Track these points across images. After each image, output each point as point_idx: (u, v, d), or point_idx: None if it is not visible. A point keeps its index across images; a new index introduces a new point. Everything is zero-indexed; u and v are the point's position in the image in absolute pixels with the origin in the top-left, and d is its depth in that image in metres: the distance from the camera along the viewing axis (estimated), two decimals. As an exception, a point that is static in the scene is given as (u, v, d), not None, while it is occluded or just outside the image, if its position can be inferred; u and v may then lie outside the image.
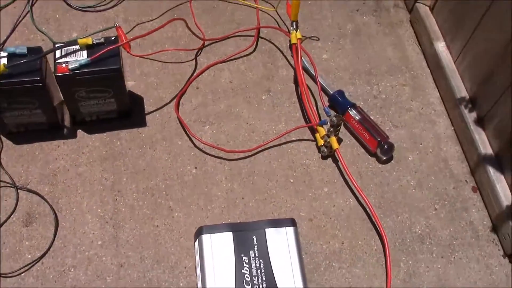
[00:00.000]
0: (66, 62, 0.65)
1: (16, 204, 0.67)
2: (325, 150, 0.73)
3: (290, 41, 0.83)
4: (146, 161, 0.72)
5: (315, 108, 0.76)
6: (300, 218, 0.68)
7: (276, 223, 0.61)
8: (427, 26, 0.83)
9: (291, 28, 0.78)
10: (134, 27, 0.84)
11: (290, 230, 0.60)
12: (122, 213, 0.67)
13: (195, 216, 0.68)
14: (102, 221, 0.66)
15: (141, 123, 0.75)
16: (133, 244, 0.65)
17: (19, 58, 0.65)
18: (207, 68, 0.81)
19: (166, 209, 0.68)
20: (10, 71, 0.63)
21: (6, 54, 0.65)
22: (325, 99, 0.77)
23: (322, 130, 0.73)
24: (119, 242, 0.65)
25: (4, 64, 0.63)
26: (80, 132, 0.73)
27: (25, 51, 0.65)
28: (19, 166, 0.70)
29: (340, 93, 0.78)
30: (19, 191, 0.68)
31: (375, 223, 0.68)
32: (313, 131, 0.75)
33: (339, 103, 0.77)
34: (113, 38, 0.68)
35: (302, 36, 0.80)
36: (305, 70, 0.79)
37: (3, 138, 0.72)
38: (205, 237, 0.59)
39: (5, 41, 0.81)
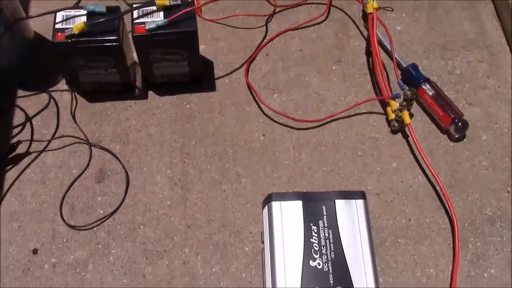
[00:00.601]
0: (143, 23, 0.65)
1: (89, 161, 0.69)
2: (396, 124, 0.71)
3: (363, 10, 0.81)
4: (214, 125, 0.72)
5: (387, 81, 0.74)
6: (368, 192, 0.67)
7: (346, 194, 0.60)
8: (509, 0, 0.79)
9: (368, -4, 0.76)
10: (205, -10, 0.84)
11: (360, 202, 0.59)
12: (190, 176, 0.68)
13: (261, 183, 0.68)
14: (171, 182, 0.68)
15: (211, 87, 0.75)
16: (201, 207, 0.66)
17: (98, 17, 0.65)
18: (278, 35, 0.80)
19: (234, 174, 0.68)
20: (89, 29, 0.64)
21: (85, 12, 0.65)
22: (398, 72, 0.75)
23: (394, 104, 0.71)
24: (187, 204, 0.66)
25: (84, 22, 0.64)
26: (151, 93, 0.74)
27: (104, 10, 0.66)
28: (92, 124, 0.71)
29: (414, 66, 0.75)
30: (92, 148, 0.69)
31: (445, 201, 0.66)
32: (384, 104, 0.74)
33: (412, 77, 0.75)
34: (189, 1, 0.67)
35: (378, 6, 0.77)
36: (379, 41, 0.77)
37: (78, 96, 0.73)
38: (275, 204, 0.59)
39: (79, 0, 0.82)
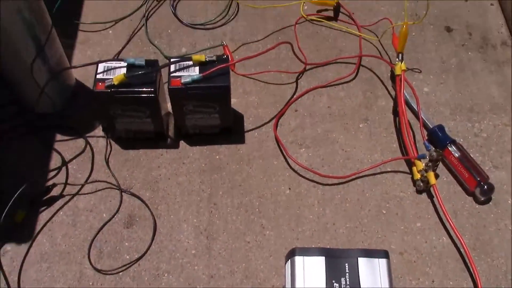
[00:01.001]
0: (179, 76, 0.69)
1: (120, 206, 0.71)
2: (421, 184, 0.72)
3: (392, 71, 0.83)
4: (242, 177, 0.74)
5: (413, 141, 0.75)
6: (391, 250, 0.67)
7: (369, 253, 0.60)
8: (538, 67, 0.80)
9: (397, 59, 0.79)
10: (239, 46, 0.88)
11: (383, 262, 0.60)
12: (216, 226, 0.69)
13: (285, 237, 0.69)
14: (197, 231, 0.69)
15: (240, 140, 0.77)
16: (225, 257, 0.67)
17: (137, 69, 0.69)
18: (307, 91, 0.82)
19: (258, 226, 0.70)
20: (129, 81, 0.68)
21: (126, 64, 0.69)
22: (424, 133, 0.76)
23: (420, 164, 0.72)
24: (212, 254, 0.67)
25: (124, 73, 0.67)
26: (182, 143, 0.77)
27: (143, 63, 0.69)
28: (124, 170, 0.74)
29: (440, 128, 0.77)
30: (123, 193, 0.72)
31: (469, 264, 0.66)
32: (410, 164, 0.74)
33: (438, 138, 0.76)
34: (224, 57, 0.71)
35: (406, 67, 0.79)
36: (406, 102, 0.79)
37: (113, 143, 0.76)
38: (298, 259, 0.60)
39: (120, 51, 0.86)
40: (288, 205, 0.72)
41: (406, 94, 0.79)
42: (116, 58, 0.83)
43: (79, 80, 0.83)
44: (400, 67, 0.77)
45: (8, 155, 0.75)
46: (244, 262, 0.67)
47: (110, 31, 0.89)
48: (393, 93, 0.83)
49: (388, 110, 0.81)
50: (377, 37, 0.89)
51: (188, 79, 0.68)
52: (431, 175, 0.70)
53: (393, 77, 0.83)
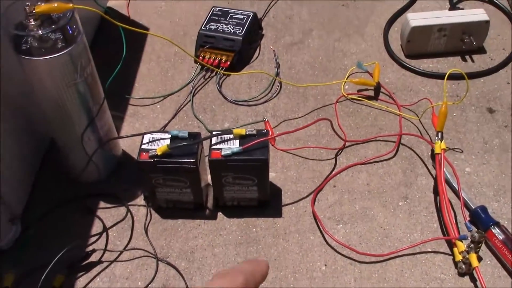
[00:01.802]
0: (220, 149, 0.71)
1: (155, 275, 0.71)
2: (463, 266, 0.69)
3: (432, 150, 0.83)
4: (278, 251, 0.73)
5: (454, 221, 0.74)
6: (431, 336, 0.64)
7: (407, 336, 0.58)
8: None
9: (436, 138, 0.79)
10: (280, 122, 0.90)
11: None
12: (249, 300, 0.68)
13: (320, 315, 0.67)
14: (230, 304, 0.68)
15: (277, 213, 0.78)
16: (257, 333, 0.65)
17: (180, 141, 0.72)
18: (346, 168, 0.83)
19: (293, 302, 0.68)
20: (171, 152, 0.70)
21: (170, 136, 0.72)
22: (466, 213, 0.75)
23: (461, 245, 0.70)
24: (244, 328, 0.66)
25: (167, 144, 0.70)
26: (220, 214, 0.78)
27: (186, 135, 0.72)
28: (162, 239, 0.75)
29: (483, 209, 0.75)
30: (159, 262, 0.72)
31: None
32: (451, 244, 0.72)
33: (481, 219, 0.74)
34: (264, 131, 0.73)
35: (446, 147, 0.79)
36: (447, 181, 0.78)
37: (153, 212, 0.78)
38: (331, 338, 0.58)
39: (166, 124, 0.90)
40: (324, 282, 0.70)
41: (447, 174, 0.78)
42: (163, 130, 0.87)
43: (125, 151, 0.87)
44: (439, 146, 0.77)
45: (52, 221, 0.78)
46: None
47: (158, 106, 0.94)
48: (433, 172, 0.82)
49: (429, 189, 0.80)
50: (417, 116, 0.89)
51: (228, 151, 0.70)
52: (473, 257, 0.67)
53: (433, 156, 0.83)
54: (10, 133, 0.73)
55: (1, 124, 0.71)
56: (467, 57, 0.99)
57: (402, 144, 0.86)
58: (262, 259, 0.39)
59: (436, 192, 0.79)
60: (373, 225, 0.76)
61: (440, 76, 0.95)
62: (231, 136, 0.72)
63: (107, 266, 0.73)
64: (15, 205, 0.75)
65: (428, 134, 0.87)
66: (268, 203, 0.78)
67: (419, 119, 0.89)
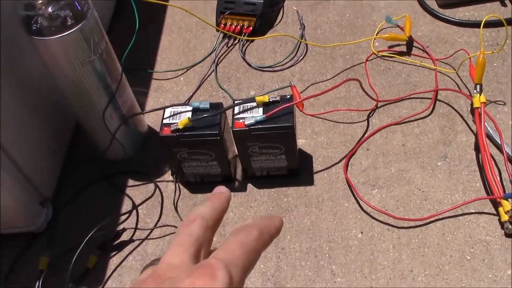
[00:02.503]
0: (243, 118, 0.68)
1: (187, 251, 0.70)
2: (510, 227, 0.65)
3: (472, 105, 0.77)
4: (311, 220, 0.71)
5: (498, 179, 0.69)
6: (477, 301, 0.61)
7: (450, 304, 0.55)
8: None
9: (474, 91, 0.73)
10: (308, 86, 0.86)
11: (466, 314, 0.54)
12: (284, 272, 0.66)
13: (358, 284, 0.64)
14: (264, 277, 0.66)
15: (309, 181, 0.75)
16: (293, 305, 0.64)
17: (202, 113, 0.69)
18: (379, 129, 0.79)
19: (329, 273, 0.66)
20: (193, 124, 0.68)
21: (191, 108, 0.70)
22: (511, 170, 0.69)
23: (507, 204, 0.65)
24: (279, 301, 0.64)
25: (188, 117, 0.68)
26: (250, 186, 0.75)
27: (208, 106, 0.70)
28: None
29: (530, 164, 0.70)
30: (190, 238, 0.71)
31: None
32: (496, 204, 0.68)
33: (528, 175, 0.69)
34: (288, 97, 0.69)
35: (486, 100, 0.73)
36: (489, 137, 0.72)
37: (181, 187, 0.76)
38: (369, 309, 0.55)
39: (191, 97, 0.88)
40: (361, 250, 0.67)
41: (488, 128, 0.73)
42: (186, 103, 0.85)
43: (151, 127, 0.85)
44: (478, 99, 0.71)
45: (82, 201, 0.77)
46: (313, 311, 0.63)
47: (182, 78, 0.92)
48: (474, 128, 0.77)
49: (469, 146, 0.75)
50: (454, 69, 0.84)
51: (251, 121, 0.67)
52: (520, 216, 0.63)
53: (473, 110, 0.77)
54: (33, 116, 0.72)
55: (27, 108, 0.70)
56: (506, 1, 0.92)
57: (439, 100, 0.81)
58: (276, 215, 0.41)
59: (477, 149, 0.74)
60: (410, 188, 0.72)
61: (476, 25, 0.89)
62: (254, 104, 0.69)
63: (138, 245, 0.72)
64: (45, 188, 0.74)
65: (466, 87, 0.82)
66: (298, 171, 0.75)
67: (456, 72, 0.83)
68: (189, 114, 0.69)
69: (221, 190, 0.39)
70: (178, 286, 0.29)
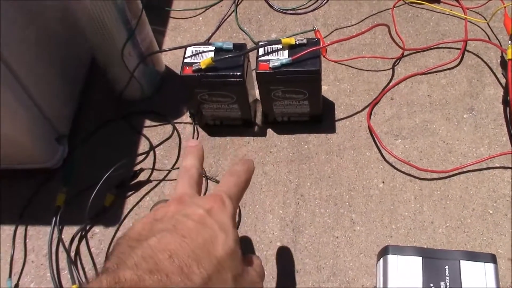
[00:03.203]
0: (268, 60, 0.65)
1: (205, 193, 0.69)
2: (535, 182, 0.64)
3: (502, 57, 0.75)
4: (332, 168, 0.70)
5: (526, 133, 0.67)
6: (498, 255, 0.60)
7: (474, 256, 0.54)
8: None
9: (509, 41, 0.70)
10: (332, 31, 0.83)
11: (489, 267, 0.53)
12: (303, 218, 0.66)
13: (377, 234, 0.64)
14: (283, 222, 0.66)
15: (331, 129, 0.73)
16: (311, 252, 0.63)
17: (225, 53, 0.67)
18: (405, 79, 0.76)
19: (348, 221, 0.65)
20: (216, 65, 0.66)
21: (214, 48, 0.67)
22: (540, 125, 0.68)
23: (534, 160, 0.64)
24: (297, 247, 0.64)
25: (211, 57, 0.65)
26: (269, 131, 0.74)
27: (231, 47, 0.67)
28: (211, 157, 0.72)
29: (560, 120, 0.68)
30: (208, 181, 0.70)
31: None
32: (522, 159, 0.67)
33: (557, 131, 0.67)
34: (315, 40, 0.67)
35: (520, 52, 0.71)
36: (519, 90, 0.70)
37: (200, 130, 0.75)
38: (391, 258, 0.55)
39: (210, 37, 0.85)
40: (381, 199, 0.66)
41: (519, 82, 0.71)
42: (206, 42, 0.82)
43: (168, 67, 0.83)
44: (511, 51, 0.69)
45: (99, 140, 0.76)
46: (332, 258, 0.63)
47: (200, 18, 0.88)
48: (503, 81, 0.74)
49: (497, 100, 0.73)
50: (485, 19, 0.80)
51: (276, 63, 0.65)
52: (548, 173, 0.62)
53: (503, 63, 0.75)
54: (50, 50, 0.70)
55: (43, 42, 0.68)
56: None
57: (468, 51, 0.78)
58: (249, 159, 0.53)
59: (506, 102, 0.72)
60: (435, 139, 0.70)
61: (513, -27, 0.84)
62: (280, 46, 0.66)
63: (156, 185, 0.71)
64: (61, 124, 0.73)
65: (497, 39, 0.79)
66: (320, 118, 0.73)
67: (487, 23, 0.80)
68: (212, 54, 0.67)
69: (195, 143, 0.53)
70: (202, 206, 0.41)
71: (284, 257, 0.63)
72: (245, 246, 0.64)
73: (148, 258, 0.35)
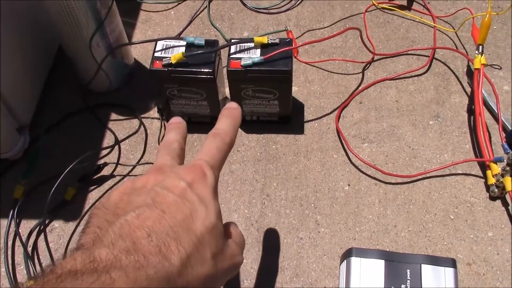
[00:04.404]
0: (239, 58, 0.65)
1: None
2: (496, 190, 0.65)
3: (469, 66, 0.76)
4: (298, 169, 0.70)
5: (489, 142, 0.69)
6: (457, 260, 0.61)
7: (434, 260, 0.55)
8: None
9: (476, 51, 0.72)
10: (304, 33, 0.83)
11: (449, 271, 0.54)
12: (268, 218, 0.66)
13: (341, 236, 0.64)
14: (248, 222, 0.65)
15: (299, 130, 0.73)
16: (275, 252, 0.63)
17: (196, 49, 0.66)
18: (374, 83, 0.77)
19: (313, 222, 0.65)
20: (187, 60, 0.65)
21: (185, 43, 0.66)
22: (503, 134, 0.69)
23: (495, 168, 0.65)
24: (261, 247, 0.63)
25: (182, 52, 0.64)
26: (239, 130, 0.73)
27: (202, 42, 0.66)
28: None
29: (521, 130, 0.69)
30: (174, 177, 0.69)
31: (547, 283, 0.59)
32: (484, 167, 0.68)
33: (519, 141, 0.69)
34: (287, 40, 0.67)
35: (486, 62, 0.72)
36: (483, 100, 0.72)
37: (167, 125, 0.74)
38: (355, 260, 0.55)
39: (181, 32, 0.84)
40: (346, 202, 0.67)
41: (484, 92, 0.72)
42: (178, 37, 0.81)
43: (137, 60, 0.81)
44: (479, 61, 0.70)
45: (62, 132, 0.74)
46: (295, 259, 0.62)
47: (172, 12, 0.87)
48: (468, 89, 0.76)
49: (462, 108, 0.74)
50: (454, 29, 0.82)
51: (248, 61, 0.64)
52: (507, 181, 0.63)
53: (469, 72, 0.76)
54: (14, 38, 0.68)
55: (8, 27, 0.65)
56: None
57: (436, 59, 0.80)
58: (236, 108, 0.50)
59: (470, 111, 0.73)
60: (400, 144, 0.71)
61: (481, -15, 0.86)
62: (252, 44, 0.66)
63: (119, 180, 0.70)
64: (22, 114, 0.71)
65: (464, 48, 0.80)
66: (289, 118, 0.73)
67: (456, 32, 0.82)
68: (183, 49, 0.66)
69: (178, 120, 0.49)
70: (181, 177, 0.38)
71: (248, 256, 0.63)
72: (209, 245, 0.64)
73: (125, 236, 0.33)
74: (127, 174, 0.70)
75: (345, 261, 0.56)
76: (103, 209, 0.38)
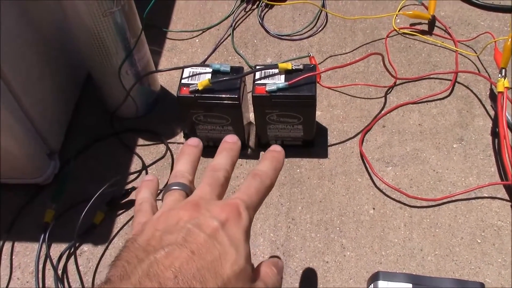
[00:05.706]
0: (264, 84, 0.66)
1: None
2: (523, 213, 0.65)
3: (491, 89, 0.77)
4: (323, 193, 0.70)
5: (514, 165, 0.68)
6: (486, 284, 0.61)
7: (463, 284, 0.55)
8: None
9: (499, 75, 0.72)
10: (326, 58, 0.85)
11: (478, 295, 0.54)
12: (293, 242, 0.66)
13: (367, 259, 0.64)
14: (274, 246, 0.66)
15: (323, 154, 0.74)
16: (300, 276, 0.63)
17: (222, 75, 0.68)
18: (397, 107, 0.78)
19: (338, 246, 0.65)
20: (213, 86, 0.66)
21: (211, 70, 0.68)
22: (528, 157, 0.69)
23: (522, 191, 0.65)
24: (287, 271, 0.64)
25: (208, 79, 0.66)
26: (262, 154, 0.74)
27: (228, 69, 0.68)
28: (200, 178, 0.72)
29: (547, 153, 0.69)
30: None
31: None
32: (510, 190, 0.68)
33: (544, 163, 0.68)
34: (311, 66, 0.68)
35: (509, 85, 0.73)
36: (508, 123, 0.72)
37: (193, 149, 0.75)
38: (382, 284, 0.55)
39: (206, 59, 0.86)
40: (372, 225, 0.67)
41: (508, 115, 0.72)
42: (203, 64, 0.83)
43: (163, 87, 0.83)
44: (502, 84, 0.70)
45: (90, 157, 0.76)
46: (321, 283, 0.63)
47: (197, 40, 0.89)
48: (491, 113, 0.76)
49: (486, 131, 0.74)
50: (476, 52, 0.83)
51: (273, 87, 0.66)
52: (535, 204, 0.63)
53: (492, 95, 0.77)
54: (45, 65, 0.70)
55: (39, 55, 0.68)
56: (532, -12, 0.91)
57: (458, 83, 0.80)
58: (279, 151, 0.50)
59: (494, 134, 0.73)
60: (425, 168, 0.71)
61: (503, 9, 0.87)
62: (276, 71, 0.67)
63: (147, 204, 0.71)
64: (53, 139, 0.73)
65: (487, 72, 0.81)
66: (313, 143, 0.74)
67: (477, 56, 0.82)
68: (209, 76, 0.67)
69: (233, 139, 0.50)
70: (215, 216, 0.39)
71: (274, 280, 0.63)
72: (235, 268, 0.64)
73: (153, 276, 0.34)
74: (155, 199, 0.71)
75: (372, 284, 0.56)
76: (136, 245, 0.39)
